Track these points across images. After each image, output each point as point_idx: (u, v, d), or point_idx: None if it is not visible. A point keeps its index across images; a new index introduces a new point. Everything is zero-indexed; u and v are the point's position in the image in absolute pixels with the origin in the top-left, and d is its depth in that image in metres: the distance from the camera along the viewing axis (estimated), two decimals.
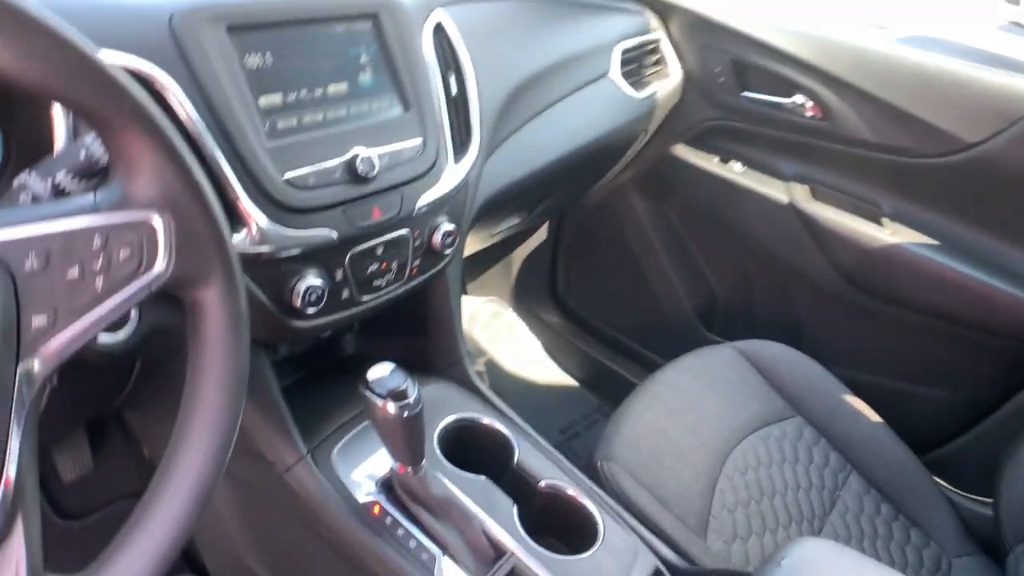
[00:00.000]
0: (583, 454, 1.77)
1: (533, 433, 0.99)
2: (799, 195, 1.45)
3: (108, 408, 0.82)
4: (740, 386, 1.28)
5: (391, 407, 0.75)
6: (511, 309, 1.99)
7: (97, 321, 0.47)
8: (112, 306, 0.48)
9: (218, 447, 0.52)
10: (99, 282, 0.47)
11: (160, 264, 0.49)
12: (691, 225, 1.64)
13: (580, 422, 1.79)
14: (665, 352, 1.30)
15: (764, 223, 1.50)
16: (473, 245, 1.46)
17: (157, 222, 0.49)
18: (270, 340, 0.84)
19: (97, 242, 0.47)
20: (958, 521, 1.22)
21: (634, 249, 1.72)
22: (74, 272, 0.46)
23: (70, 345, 0.46)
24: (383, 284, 0.87)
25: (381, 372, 0.78)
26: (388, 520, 0.83)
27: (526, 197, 1.31)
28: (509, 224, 1.46)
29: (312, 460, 0.87)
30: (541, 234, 1.86)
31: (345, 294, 0.83)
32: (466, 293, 2.00)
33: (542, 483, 0.93)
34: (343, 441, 0.91)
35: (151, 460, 1.14)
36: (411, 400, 0.76)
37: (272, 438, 0.85)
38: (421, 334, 1.06)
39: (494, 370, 1.86)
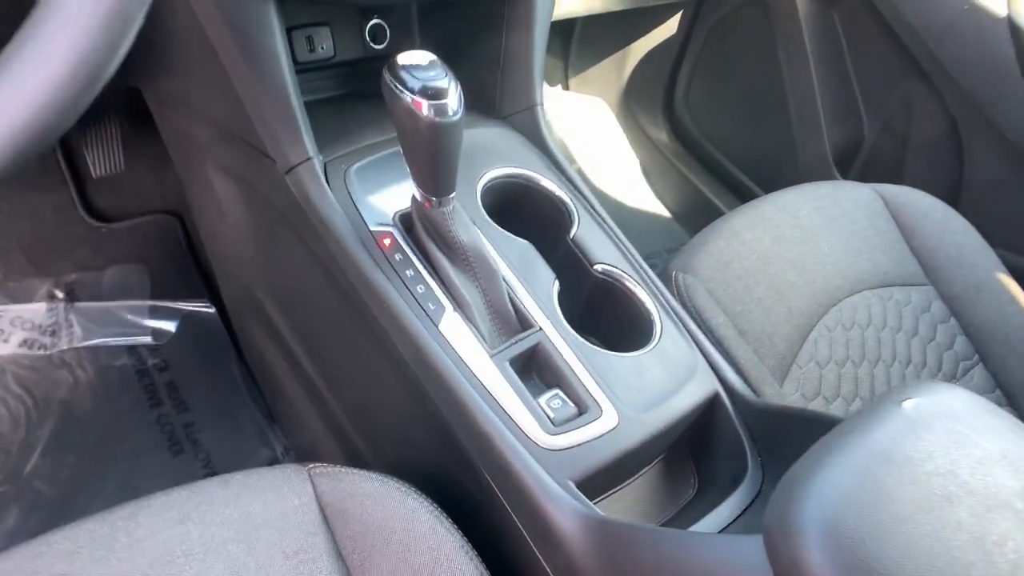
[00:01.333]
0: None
1: (601, 211, 0.79)
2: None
3: None
4: (870, 233, 1.03)
5: (424, 107, 0.56)
6: (615, 116, 1.73)
7: None
8: None
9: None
10: None
11: None
12: (860, 38, 1.31)
13: (662, 255, 1.58)
14: None
15: (961, 43, 1.16)
16: None
17: None
18: None
19: None
20: None
21: (780, 62, 1.40)
22: None
23: None
24: None
25: (416, 59, 0.58)
26: (398, 257, 0.67)
27: None
28: None
29: (323, 169, 0.71)
30: (669, 28, 1.55)
31: None
32: (567, 89, 1.74)
33: (597, 266, 0.74)
34: (369, 159, 0.74)
35: (178, 176, 1.02)
36: (449, 102, 0.57)
37: (275, 129, 0.69)
38: (492, 68, 0.85)
39: (583, 184, 1.64)
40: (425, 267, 0.67)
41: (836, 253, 0.98)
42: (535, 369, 0.65)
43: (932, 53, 1.19)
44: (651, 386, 0.65)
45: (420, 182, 0.63)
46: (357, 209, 0.69)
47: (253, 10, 0.64)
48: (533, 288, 0.69)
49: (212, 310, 1.16)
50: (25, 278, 1.13)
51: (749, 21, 1.42)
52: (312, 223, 0.69)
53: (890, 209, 1.07)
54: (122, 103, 1.15)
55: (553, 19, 1.45)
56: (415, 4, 0.88)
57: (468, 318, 0.65)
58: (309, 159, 0.69)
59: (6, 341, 1.07)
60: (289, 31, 0.82)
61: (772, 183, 1.50)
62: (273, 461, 1.05)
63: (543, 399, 0.62)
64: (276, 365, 0.99)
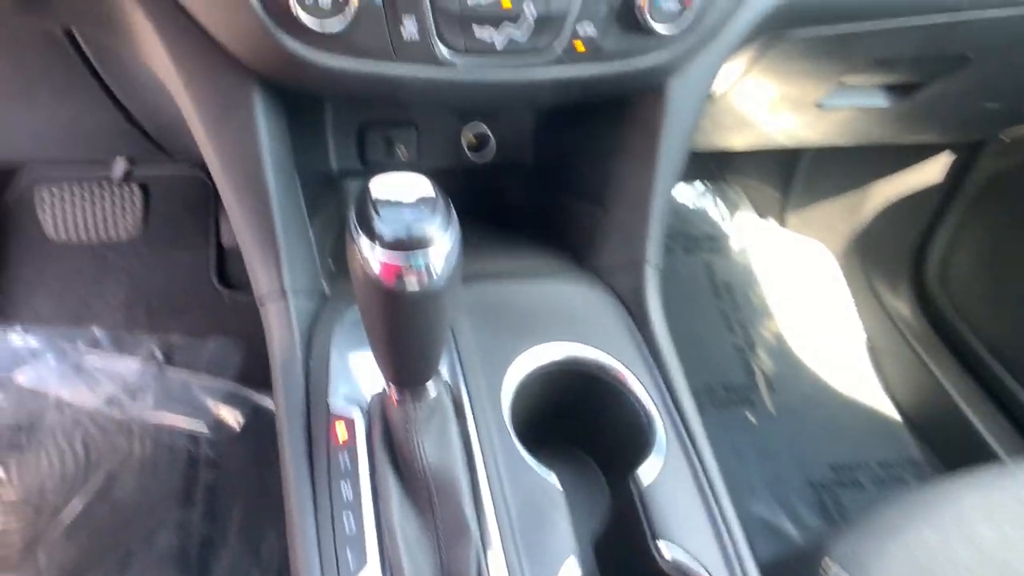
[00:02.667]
0: (841, 520, 1.12)
1: (702, 445, 0.50)
2: None
3: None
4: None
5: (388, 266, 0.35)
6: (841, 270, 1.35)
7: None
8: None
9: None
10: None
11: None
12: None
13: (873, 469, 1.16)
14: None
15: None
16: (789, 104, 0.82)
17: None
18: (261, 68, 0.48)
19: None
20: None
21: None
22: None
23: None
24: (498, 43, 0.44)
25: (398, 187, 0.38)
26: (343, 463, 0.45)
27: (879, 43, 0.63)
28: (849, 99, 0.77)
29: (314, 307, 0.53)
30: (927, 172, 1.17)
31: (411, 29, 0.43)
32: (783, 225, 1.41)
33: (665, 550, 0.45)
34: None
35: None
36: (432, 261, 0.35)
37: (250, 247, 0.52)
38: (593, 203, 0.62)
39: (778, 351, 1.28)
40: (374, 489, 0.44)
41: None
42: None
43: None
44: None
45: (381, 365, 0.42)
46: (328, 375, 0.49)
47: (230, 98, 0.48)
48: (528, 567, 0.42)
49: None
50: (139, 332, 1.12)
51: None
52: (272, 370, 0.51)
53: None
54: None
55: (776, 148, 1.14)
56: (531, 113, 0.69)
57: None
58: (283, 294, 0.51)
59: (94, 392, 1.04)
60: (363, 128, 0.68)
61: None
62: None
63: None
64: None
